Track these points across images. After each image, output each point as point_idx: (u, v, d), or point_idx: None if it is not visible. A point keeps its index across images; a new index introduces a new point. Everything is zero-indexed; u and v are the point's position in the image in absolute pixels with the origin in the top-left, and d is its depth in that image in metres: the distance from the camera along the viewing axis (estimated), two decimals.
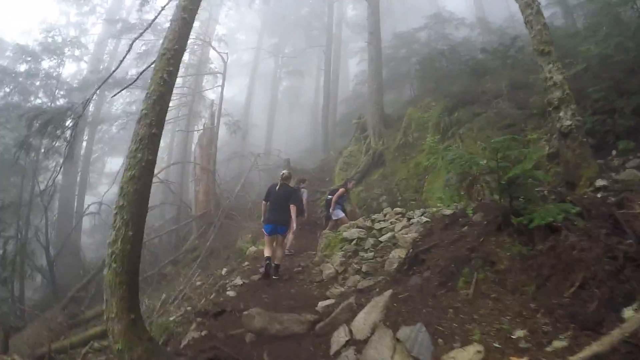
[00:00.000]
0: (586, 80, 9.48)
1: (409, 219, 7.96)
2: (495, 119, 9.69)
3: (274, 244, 7.94)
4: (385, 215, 8.53)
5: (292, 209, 8.19)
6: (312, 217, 13.16)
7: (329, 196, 10.55)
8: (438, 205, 8.67)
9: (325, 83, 23.29)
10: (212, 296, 8.04)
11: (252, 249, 12.08)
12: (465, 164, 4.90)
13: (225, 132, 22.02)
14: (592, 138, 8.01)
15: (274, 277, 7.74)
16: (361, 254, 7.50)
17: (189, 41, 6.58)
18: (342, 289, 6.51)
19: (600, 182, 5.56)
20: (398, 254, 6.51)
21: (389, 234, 7.58)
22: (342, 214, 10.15)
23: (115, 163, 28.94)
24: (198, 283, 9.80)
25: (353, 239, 8.07)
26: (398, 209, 8.60)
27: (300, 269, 8.47)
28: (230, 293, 7.47)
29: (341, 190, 10.31)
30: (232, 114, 22.93)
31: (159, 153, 5.65)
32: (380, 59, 15.86)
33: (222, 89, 21.08)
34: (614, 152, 7.80)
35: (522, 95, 10.50)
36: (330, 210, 10.25)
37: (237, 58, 42.83)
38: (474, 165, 4.88)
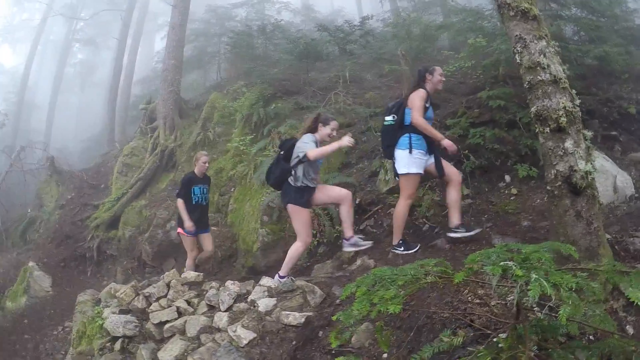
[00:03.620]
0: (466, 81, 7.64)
1: (210, 305, 4.70)
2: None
3: None
4: (168, 287, 5.15)
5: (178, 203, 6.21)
6: (78, 249, 9.09)
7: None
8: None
9: (118, 55, 18.46)
10: None
11: None
12: None
13: None
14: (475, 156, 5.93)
15: None
16: None
17: None
18: None
19: None
20: None
21: (176, 348, 4.22)
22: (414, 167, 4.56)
23: None
24: None
25: (118, 337, 4.66)
26: (190, 275, 5.31)
27: None
28: None
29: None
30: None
31: None
32: (184, 28, 12.25)
33: None
34: (507, 179, 5.85)
35: (357, 90, 8.23)
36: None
37: (28, 18, 33.88)
38: None
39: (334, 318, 2.85)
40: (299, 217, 4.72)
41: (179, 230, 6.22)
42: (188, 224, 5.97)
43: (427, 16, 10.83)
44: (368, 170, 6.28)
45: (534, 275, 1.96)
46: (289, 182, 4.71)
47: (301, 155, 4.58)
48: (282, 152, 4.87)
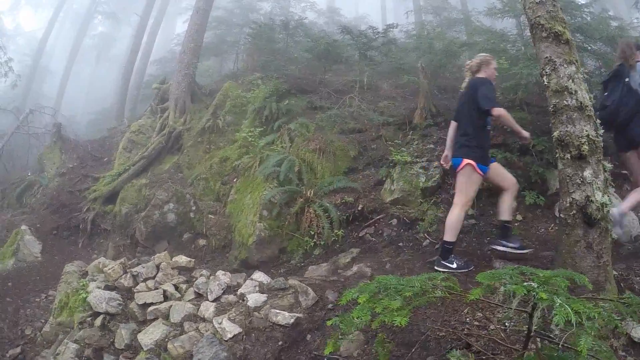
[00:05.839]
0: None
1: (197, 293, 4.67)
2: (341, 119, 7.04)
3: None
4: (157, 269, 5.10)
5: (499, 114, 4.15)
6: (73, 219, 8.98)
7: None
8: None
9: (138, 32, 18.42)
10: None
11: None
12: None
13: None
14: None
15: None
16: None
17: None
18: None
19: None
20: None
21: (157, 332, 4.16)
22: None
23: None
24: None
25: (100, 313, 4.61)
26: (182, 260, 5.29)
27: (18, 350, 5.05)
28: None
29: None
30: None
31: None
32: (208, 13, 12.19)
33: None
34: (513, 204, 5.77)
35: (372, 97, 8.17)
36: None
37: None
38: None
39: (328, 323, 2.78)
40: None
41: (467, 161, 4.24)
42: (524, 133, 4.27)
43: (451, 33, 10.80)
44: (374, 178, 6.22)
45: (558, 300, 1.87)
46: None
47: None
48: (627, 80, 4.13)
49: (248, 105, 8.08)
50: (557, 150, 3.49)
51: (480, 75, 4.47)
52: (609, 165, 3.47)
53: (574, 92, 3.40)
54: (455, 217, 4.26)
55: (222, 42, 14.32)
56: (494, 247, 4.48)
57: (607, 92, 4.28)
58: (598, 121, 3.48)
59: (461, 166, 4.26)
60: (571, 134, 3.34)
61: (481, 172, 4.26)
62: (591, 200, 3.22)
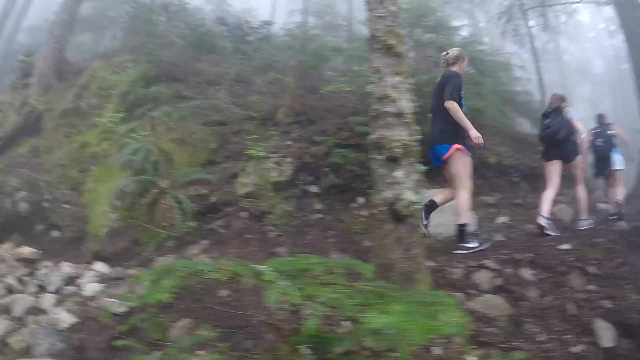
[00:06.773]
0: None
1: (40, 285, 4.61)
2: (204, 110, 7.13)
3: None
4: (4, 257, 4.91)
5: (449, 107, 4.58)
6: None
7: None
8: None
9: None
10: None
11: None
12: None
13: None
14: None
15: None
16: None
17: None
18: None
19: None
20: None
21: None
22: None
23: None
24: None
25: None
26: (26, 251, 5.10)
27: None
28: None
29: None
30: None
31: None
32: None
33: None
34: (360, 200, 6.23)
35: (242, 91, 8.34)
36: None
37: None
38: None
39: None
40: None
41: (457, 146, 4.63)
42: (474, 132, 4.53)
43: (331, 37, 11.18)
44: (231, 171, 6.40)
45: (281, 283, 2.09)
46: (573, 140, 5.83)
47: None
48: (564, 115, 5.75)
49: (115, 88, 7.81)
50: (373, 152, 3.79)
51: (454, 68, 4.92)
52: (422, 168, 3.91)
53: (395, 100, 3.75)
54: (462, 200, 4.58)
55: (102, 16, 13.45)
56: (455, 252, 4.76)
57: (549, 119, 5.75)
58: (416, 127, 3.88)
59: (451, 152, 4.60)
60: (387, 138, 3.68)
61: (469, 153, 4.68)
62: (400, 199, 3.58)
